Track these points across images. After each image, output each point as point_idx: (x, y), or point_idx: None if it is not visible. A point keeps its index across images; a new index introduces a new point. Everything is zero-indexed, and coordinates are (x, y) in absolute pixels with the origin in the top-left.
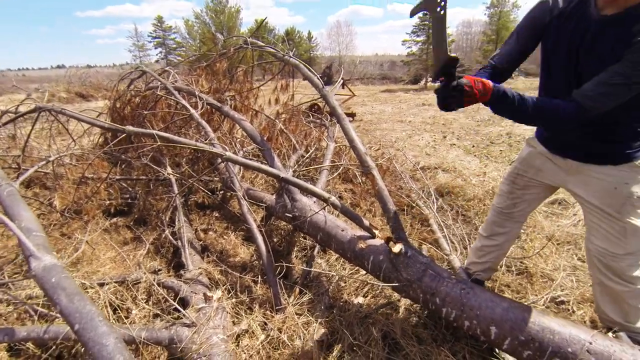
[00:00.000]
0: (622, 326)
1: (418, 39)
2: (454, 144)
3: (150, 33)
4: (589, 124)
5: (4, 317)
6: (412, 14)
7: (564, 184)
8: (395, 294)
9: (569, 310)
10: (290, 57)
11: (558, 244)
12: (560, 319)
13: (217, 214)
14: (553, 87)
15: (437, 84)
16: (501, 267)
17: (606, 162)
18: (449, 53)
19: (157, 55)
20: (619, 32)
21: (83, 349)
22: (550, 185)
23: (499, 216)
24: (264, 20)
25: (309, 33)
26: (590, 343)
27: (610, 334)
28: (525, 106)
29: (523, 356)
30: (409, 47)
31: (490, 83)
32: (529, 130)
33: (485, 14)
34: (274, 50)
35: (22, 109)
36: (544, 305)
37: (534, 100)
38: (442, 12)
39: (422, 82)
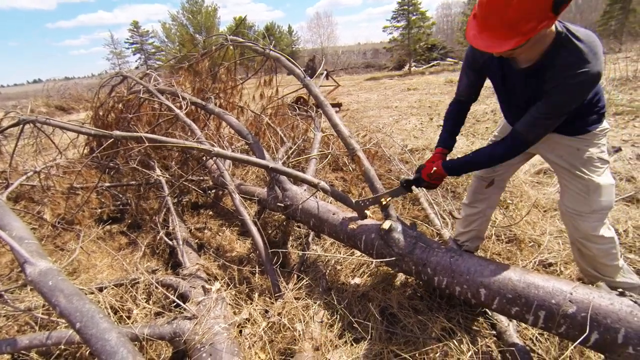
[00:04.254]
0: (602, 280)
1: (398, 24)
2: (441, 125)
3: (127, 39)
4: None
5: (4, 331)
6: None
7: (537, 150)
8: (390, 271)
9: (556, 271)
10: (271, 50)
11: (544, 211)
12: (543, 274)
13: (211, 213)
14: (506, 108)
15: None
16: (491, 237)
17: (570, 134)
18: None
19: (136, 61)
20: (535, 80)
21: (88, 351)
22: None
23: (480, 182)
24: (243, 18)
25: (289, 27)
26: (571, 293)
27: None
28: (472, 164)
29: (512, 313)
30: (390, 33)
31: (440, 167)
32: None
33: None
34: (254, 45)
35: (5, 123)
36: (532, 268)
37: (476, 156)
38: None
39: (406, 67)
